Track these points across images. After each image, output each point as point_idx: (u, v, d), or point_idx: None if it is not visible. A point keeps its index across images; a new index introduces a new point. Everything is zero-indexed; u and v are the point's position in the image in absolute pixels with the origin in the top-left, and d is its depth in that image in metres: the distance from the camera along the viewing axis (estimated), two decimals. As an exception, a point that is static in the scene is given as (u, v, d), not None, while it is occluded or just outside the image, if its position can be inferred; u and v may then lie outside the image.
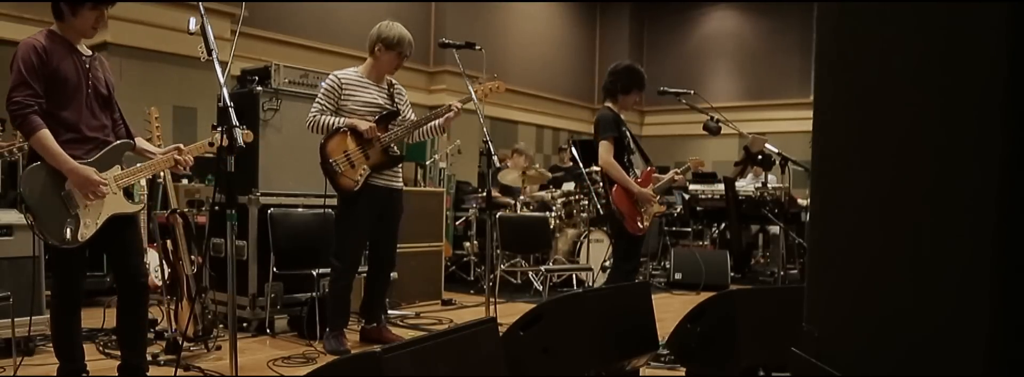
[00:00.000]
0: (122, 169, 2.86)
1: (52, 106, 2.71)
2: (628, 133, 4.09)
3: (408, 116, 3.99)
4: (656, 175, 4.22)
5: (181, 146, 2.97)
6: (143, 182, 3.00)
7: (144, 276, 2.97)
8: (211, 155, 3.04)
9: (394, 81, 4.04)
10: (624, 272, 4.07)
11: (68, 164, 2.67)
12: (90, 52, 2.88)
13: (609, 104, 4.12)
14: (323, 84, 3.88)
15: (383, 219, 3.92)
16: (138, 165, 2.91)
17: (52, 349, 2.93)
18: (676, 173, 4.25)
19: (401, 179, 4.05)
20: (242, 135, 3.14)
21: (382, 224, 3.93)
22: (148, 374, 3.04)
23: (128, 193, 2.92)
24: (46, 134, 2.65)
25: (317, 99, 3.84)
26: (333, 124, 3.76)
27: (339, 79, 3.85)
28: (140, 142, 3.02)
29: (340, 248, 3.87)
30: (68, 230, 2.69)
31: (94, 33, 2.84)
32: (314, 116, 3.80)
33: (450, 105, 3.82)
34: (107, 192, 2.76)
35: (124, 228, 2.90)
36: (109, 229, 2.82)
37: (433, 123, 3.91)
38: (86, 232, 2.73)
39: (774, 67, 13.09)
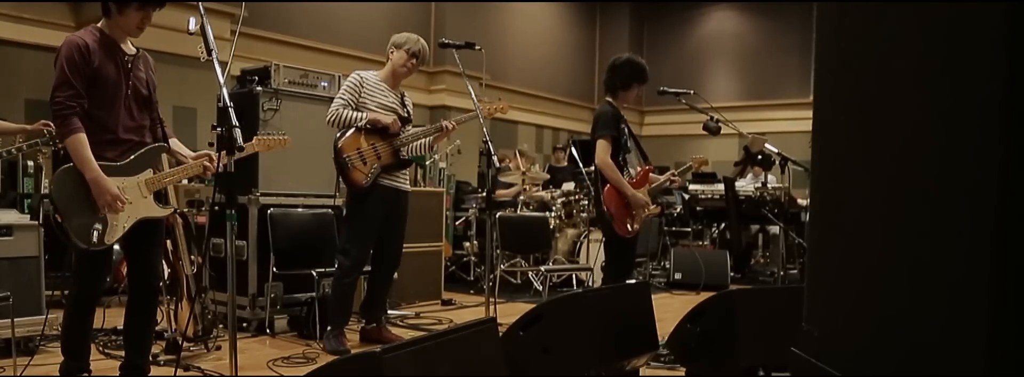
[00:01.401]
0: (154, 173, 2.86)
1: (90, 106, 2.71)
2: (627, 130, 4.03)
3: (411, 128, 4.07)
4: (653, 175, 4.16)
5: (211, 154, 2.95)
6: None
7: (159, 279, 2.97)
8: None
9: (404, 93, 4.12)
10: (616, 273, 4.01)
11: (93, 173, 2.66)
12: (134, 50, 2.88)
13: (609, 99, 4.03)
14: (347, 80, 3.96)
15: (389, 219, 3.95)
16: (170, 169, 2.91)
17: (52, 349, 2.94)
18: (673, 174, 4.17)
19: (408, 182, 4.09)
20: (281, 141, 3.14)
21: (388, 224, 3.95)
22: (149, 375, 3.05)
23: (159, 196, 2.92)
24: (82, 138, 2.64)
25: (340, 94, 3.91)
26: (356, 119, 3.81)
27: (362, 77, 3.93)
28: (174, 144, 3.01)
29: (347, 245, 3.89)
30: (95, 233, 2.68)
31: (139, 33, 2.84)
32: (337, 110, 3.84)
33: (443, 124, 3.91)
34: (121, 209, 2.74)
35: (150, 231, 2.90)
36: (135, 231, 2.81)
37: (426, 140, 4.00)
38: (113, 236, 2.73)
39: (774, 67, 13.10)
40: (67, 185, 2.67)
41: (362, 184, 3.82)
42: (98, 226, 2.69)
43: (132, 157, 2.80)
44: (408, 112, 4.06)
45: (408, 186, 4.07)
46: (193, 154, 2.99)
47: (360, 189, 3.83)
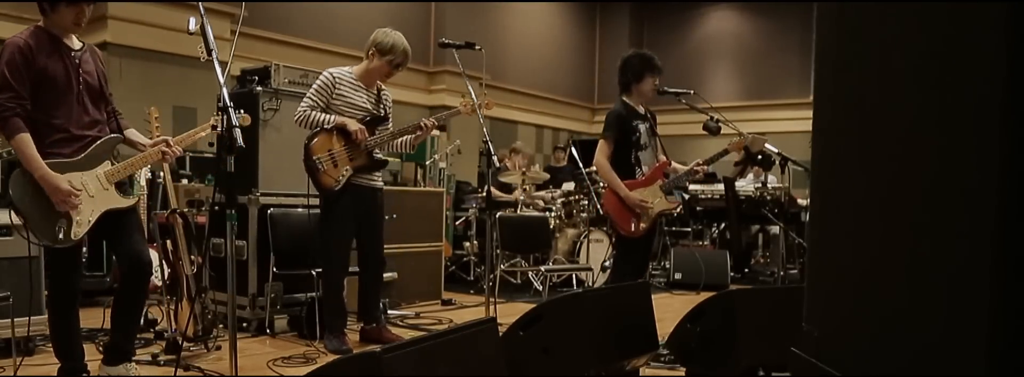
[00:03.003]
0: (112, 164, 2.85)
1: (40, 106, 2.70)
2: (641, 128, 3.96)
3: (389, 124, 4.02)
4: (675, 166, 4.08)
5: (169, 139, 2.96)
6: (142, 181, 3.00)
7: (149, 264, 2.95)
8: (211, 155, 3.04)
9: (383, 87, 4.05)
10: (621, 273, 3.99)
11: (40, 171, 2.65)
12: (80, 45, 2.86)
13: (623, 97, 4.01)
14: (317, 80, 3.88)
15: (367, 219, 3.91)
16: (128, 160, 2.90)
17: (52, 349, 2.93)
18: (698, 163, 4.01)
19: (381, 178, 4.05)
20: (239, 119, 3.15)
21: (366, 224, 3.92)
22: (147, 374, 3.05)
23: (121, 187, 2.91)
24: (25, 138, 2.64)
25: (309, 94, 3.84)
26: (324, 121, 3.75)
27: (333, 77, 3.85)
28: (131, 134, 3.01)
29: (324, 249, 3.86)
30: (61, 230, 2.68)
31: (78, 29, 2.82)
32: (304, 111, 3.79)
33: (421, 122, 3.84)
34: (78, 203, 2.72)
35: (122, 220, 2.89)
36: (106, 222, 2.81)
37: (405, 138, 3.94)
38: (79, 231, 2.73)
39: (774, 67, 13.09)
40: (25, 185, 2.67)
41: (332, 188, 3.76)
42: (62, 222, 2.69)
43: (85, 153, 2.79)
44: (385, 110, 3.98)
45: (381, 183, 4.02)
46: (150, 141, 2.98)
47: (331, 193, 3.79)
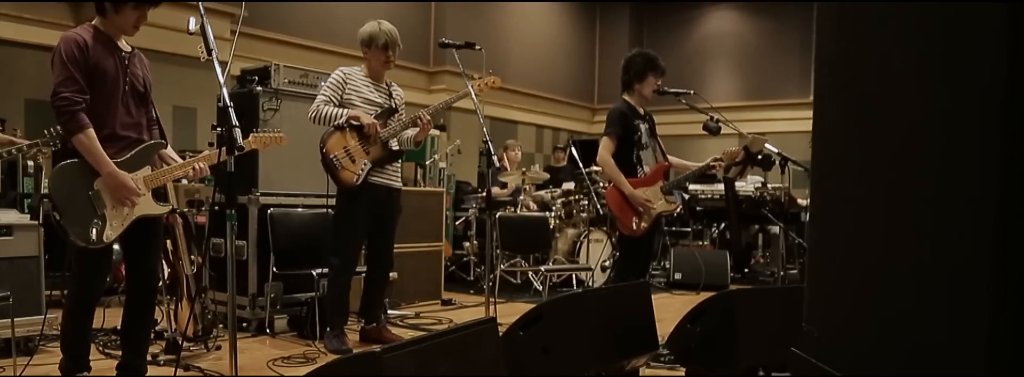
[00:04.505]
0: (152, 170, 2.85)
1: (90, 102, 2.69)
2: (642, 127, 3.99)
3: (402, 117, 4.04)
4: (682, 162, 4.08)
5: (212, 158, 2.95)
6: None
7: (157, 281, 2.96)
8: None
9: (392, 83, 4.09)
10: (623, 272, 4.02)
11: (108, 167, 2.67)
12: (129, 48, 2.88)
13: (625, 97, 4.03)
14: (330, 77, 3.94)
15: (381, 218, 3.93)
16: (167, 167, 2.91)
17: (52, 349, 2.94)
18: (715, 158, 3.97)
19: (400, 179, 4.07)
20: (277, 138, 3.15)
21: (380, 223, 3.94)
22: (148, 375, 3.04)
23: (156, 194, 2.91)
24: (91, 134, 2.64)
25: (322, 90, 3.89)
26: (338, 115, 3.79)
27: (345, 74, 3.92)
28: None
29: (338, 246, 3.87)
30: (94, 231, 2.67)
31: (135, 31, 2.84)
32: (318, 106, 3.83)
33: (419, 115, 3.83)
34: (137, 202, 2.75)
35: (148, 231, 2.89)
36: (133, 230, 2.81)
37: (408, 135, 3.94)
38: (111, 233, 2.72)
39: (774, 67, 13.08)
40: (66, 182, 2.66)
41: (353, 183, 3.79)
42: (97, 223, 2.68)
43: (131, 153, 2.79)
44: (396, 103, 4.02)
45: (399, 183, 4.05)
46: (181, 161, 2.96)
47: (351, 188, 3.81)
